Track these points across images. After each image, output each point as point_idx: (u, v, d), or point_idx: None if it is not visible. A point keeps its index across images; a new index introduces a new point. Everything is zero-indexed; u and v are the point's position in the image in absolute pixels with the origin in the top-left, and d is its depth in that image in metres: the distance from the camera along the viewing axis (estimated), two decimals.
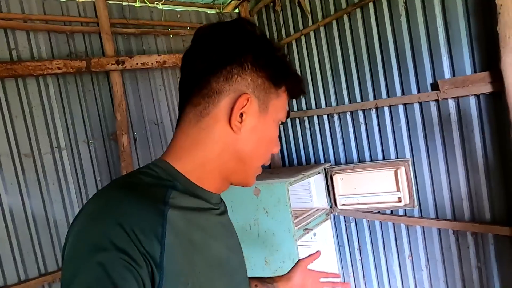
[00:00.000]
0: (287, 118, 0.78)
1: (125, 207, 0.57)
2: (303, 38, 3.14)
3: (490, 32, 2.02)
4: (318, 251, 1.16)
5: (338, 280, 1.20)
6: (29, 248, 2.38)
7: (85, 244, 0.53)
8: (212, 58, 0.67)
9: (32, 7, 2.49)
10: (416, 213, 2.60)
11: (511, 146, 2.00)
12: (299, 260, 1.12)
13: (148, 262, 0.54)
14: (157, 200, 0.61)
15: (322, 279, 1.14)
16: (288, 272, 1.10)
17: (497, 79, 2.01)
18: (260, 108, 0.70)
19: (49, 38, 2.54)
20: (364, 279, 3.07)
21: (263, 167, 2.70)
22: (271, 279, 1.06)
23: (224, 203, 0.82)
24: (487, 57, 2.09)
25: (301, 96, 0.84)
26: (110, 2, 2.83)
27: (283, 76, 0.73)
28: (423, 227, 2.59)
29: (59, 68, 2.45)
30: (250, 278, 0.98)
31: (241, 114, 0.68)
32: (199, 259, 0.63)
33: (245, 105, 0.67)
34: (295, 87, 0.76)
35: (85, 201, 0.66)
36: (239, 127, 0.68)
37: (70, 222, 0.81)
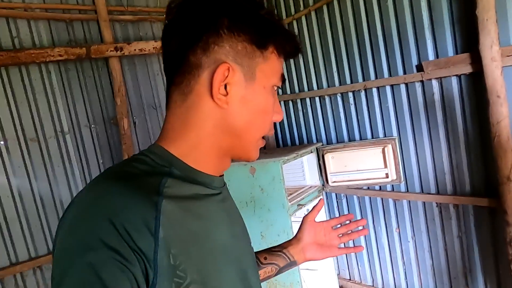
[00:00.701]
0: (282, 82, 0.70)
1: (116, 201, 0.53)
2: (295, 22, 3.24)
3: (470, 15, 2.13)
4: (321, 199, 1.08)
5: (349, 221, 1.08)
6: (37, 227, 2.52)
7: (74, 242, 0.51)
8: (186, 31, 0.62)
9: None
10: (402, 188, 2.76)
11: (489, 123, 2.14)
12: (304, 217, 1.03)
13: (141, 259, 0.51)
14: (150, 191, 0.56)
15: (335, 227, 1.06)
16: (296, 234, 1.04)
17: (476, 60, 2.14)
18: (245, 77, 0.63)
19: (49, 26, 2.63)
20: (355, 253, 3.25)
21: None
22: (280, 247, 1.00)
23: (226, 187, 0.77)
24: (468, 39, 2.21)
25: (298, 54, 0.71)
26: None
27: (268, 35, 0.64)
28: (409, 201, 2.75)
29: (60, 55, 2.54)
30: (257, 252, 0.96)
31: (226, 86, 0.62)
32: (199, 250, 0.59)
33: (227, 75, 0.61)
34: (285, 45, 0.68)
35: (88, 182, 0.64)
36: (225, 100, 0.62)
37: None
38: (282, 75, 0.70)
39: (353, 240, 3.14)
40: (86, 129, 2.76)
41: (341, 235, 1.04)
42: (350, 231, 1.06)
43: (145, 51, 2.94)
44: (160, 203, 0.56)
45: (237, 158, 0.71)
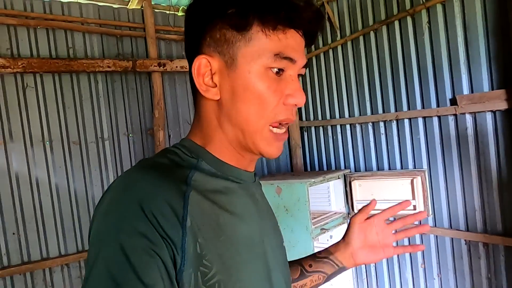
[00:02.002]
0: (287, 59, 0.61)
1: (146, 189, 0.55)
2: (331, 51, 3.33)
3: (507, 52, 2.15)
4: (373, 200, 0.96)
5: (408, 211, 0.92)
6: (70, 226, 2.65)
7: (108, 227, 0.53)
8: (187, 37, 0.66)
9: (89, 12, 2.81)
10: (430, 222, 2.70)
11: None
12: (352, 218, 0.93)
13: (169, 245, 0.53)
14: (179, 181, 0.58)
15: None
16: (343, 237, 0.94)
17: None
18: (227, 64, 0.62)
19: (101, 40, 2.85)
20: (378, 286, 3.17)
21: (284, 166, 2.85)
22: (326, 252, 0.94)
23: (259, 184, 0.77)
24: (504, 75, 2.21)
25: (305, 18, 0.61)
26: (156, 10, 3.13)
27: (246, 15, 0.59)
28: (436, 236, 2.68)
29: (108, 67, 2.74)
30: (302, 259, 0.93)
31: (213, 78, 0.63)
32: (224, 242, 0.60)
33: (209, 67, 0.62)
34: (275, 17, 0.59)
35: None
36: (214, 91, 0.63)
37: None
38: (280, 54, 0.60)
39: (376, 272, 3.09)
40: (124, 137, 2.92)
41: (395, 231, 0.94)
42: (406, 227, 0.95)
43: (185, 68, 3.11)
44: (188, 193, 0.57)
45: (251, 151, 0.66)
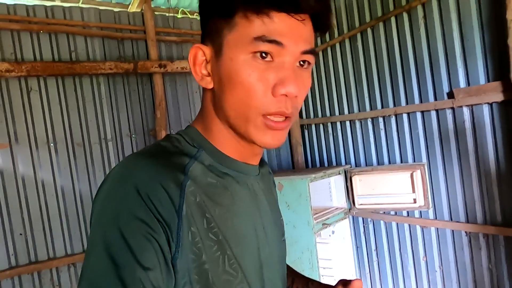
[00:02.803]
0: (272, 42, 0.58)
1: (145, 175, 0.55)
2: (329, 49, 3.37)
3: (502, 45, 2.17)
4: (358, 280, 0.75)
5: None
6: (75, 226, 2.70)
7: (107, 212, 0.54)
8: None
9: (90, 16, 2.86)
10: (431, 215, 2.73)
11: None
12: (340, 280, 0.82)
13: (166, 231, 0.54)
14: (177, 170, 0.59)
15: None
16: None
17: (508, 88, 2.16)
18: (215, 53, 0.63)
19: (103, 43, 2.90)
20: (380, 280, 3.19)
21: (286, 163, 2.89)
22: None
23: (264, 177, 0.77)
24: (500, 68, 2.24)
25: (286, 2, 0.57)
26: (156, 13, 3.18)
27: (230, 1, 0.59)
28: (437, 228, 2.71)
29: (110, 69, 2.79)
30: (295, 280, 0.91)
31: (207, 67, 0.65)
32: (215, 235, 0.60)
33: (203, 57, 0.64)
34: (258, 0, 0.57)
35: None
36: (208, 80, 0.64)
37: None
38: (263, 36, 0.57)
39: (379, 266, 3.11)
40: (127, 138, 2.96)
41: None
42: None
43: (186, 69, 3.15)
44: (185, 183, 0.58)
45: (248, 141, 0.65)
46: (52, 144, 2.64)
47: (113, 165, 2.88)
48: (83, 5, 2.88)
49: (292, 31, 0.59)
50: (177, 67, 3.10)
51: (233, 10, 0.59)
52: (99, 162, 2.82)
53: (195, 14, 3.43)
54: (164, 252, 0.53)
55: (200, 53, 0.64)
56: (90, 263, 0.52)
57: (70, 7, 2.81)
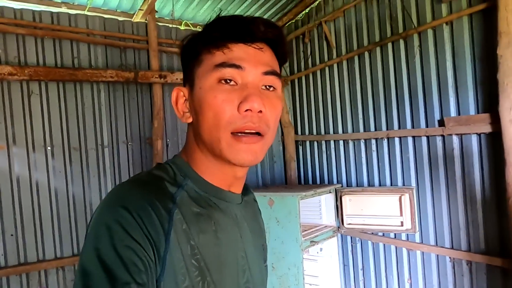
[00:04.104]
0: (230, 66, 0.65)
1: (138, 201, 0.60)
2: (327, 69, 3.45)
3: (492, 78, 2.25)
4: None
5: None
6: (67, 230, 2.73)
7: (102, 230, 0.57)
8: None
9: (95, 24, 2.92)
10: (417, 238, 2.78)
11: (506, 182, 2.19)
12: None
13: (154, 253, 0.58)
14: (166, 198, 0.64)
15: None
16: None
17: (496, 120, 2.22)
18: (190, 89, 0.71)
19: (106, 51, 2.96)
20: None
21: (279, 178, 2.93)
22: None
23: (247, 206, 0.83)
24: (489, 100, 2.31)
25: (239, 34, 0.67)
26: (159, 24, 3.25)
27: (195, 45, 0.70)
28: (422, 252, 2.76)
29: (111, 77, 2.84)
30: None
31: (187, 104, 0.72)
32: (198, 262, 0.64)
33: (183, 96, 0.72)
34: (212, 36, 0.67)
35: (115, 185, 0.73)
36: (187, 116, 0.72)
37: None
38: (223, 63, 0.65)
39: (364, 285, 3.15)
40: (124, 145, 3.01)
41: None
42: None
43: None
44: (174, 211, 0.63)
45: (226, 162, 0.69)
46: (49, 148, 2.68)
47: (108, 171, 2.92)
48: (89, 13, 2.94)
49: (250, 57, 0.67)
50: (177, 78, 3.16)
51: (199, 50, 0.68)
52: (94, 167, 2.86)
53: (198, 27, 3.50)
54: (152, 271, 0.57)
55: (181, 94, 0.73)
56: (84, 276, 0.55)
57: (75, 14, 2.87)
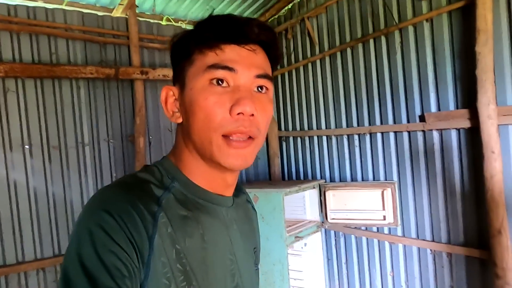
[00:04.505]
0: (222, 68, 0.65)
1: (120, 204, 0.59)
2: (310, 65, 3.46)
3: (471, 74, 2.29)
4: None
5: None
6: (47, 230, 2.66)
7: (85, 235, 0.56)
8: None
9: (73, 19, 2.85)
10: (399, 232, 2.83)
11: (484, 176, 2.24)
12: None
13: (138, 256, 0.57)
14: (151, 201, 0.62)
15: None
16: None
17: (474, 116, 2.28)
18: (180, 89, 0.69)
19: (85, 47, 2.89)
20: None
21: (263, 174, 2.94)
22: None
23: (238, 208, 0.80)
24: (468, 96, 2.36)
25: (233, 35, 0.66)
26: (140, 19, 3.19)
27: (187, 44, 0.68)
28: (404, 245, 2.81)
29: (91, 74, 2.78)
30: None
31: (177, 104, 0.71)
32: (184, 266, 0.63)
33: (173, 96, 0.71)
34: (204, 36, 0.66)
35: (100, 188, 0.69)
36: (176, 116, 0.70)
37: None
38: (216, 64, 0.65)
39: (348, 279, 3.20)
40: (105, 143, 2.95)
41: None
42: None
43: (168, 77, 3.17)
44: (159, 214, 0.62)
45: (216, 165, 0.68)
46: (27, 146, 2.61)
47: (88, 170, 2.86)
48: (67, 7, 2.86)
49: (243, 59, 0.66)
50: (158, 75, 3.11)
51: (191, 49, 0.67)
52: (75, 166, 2.80)
53: (179, 22, 3.45)
54: (136, 276, 0.56)
55: (170, 93, 0.71)
56: (67, 283, 0.54)
57: (53, 8, 2.78)
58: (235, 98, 0.64)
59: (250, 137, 0.66)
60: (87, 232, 0.56)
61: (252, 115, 0.65)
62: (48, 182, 2.68)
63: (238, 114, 0.63)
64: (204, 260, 0.67)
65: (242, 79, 0.65)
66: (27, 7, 2.68)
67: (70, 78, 2.77)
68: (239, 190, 0.84)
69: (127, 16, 3.07)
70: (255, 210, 0.93)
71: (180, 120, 0.70)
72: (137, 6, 3.09)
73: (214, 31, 0.65)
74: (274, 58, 0.73)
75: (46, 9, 2.75)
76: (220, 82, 0.65)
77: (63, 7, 2.85)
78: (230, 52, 0.65)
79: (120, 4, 2.97)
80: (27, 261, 2.57)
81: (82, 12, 2.93)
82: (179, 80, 0.70)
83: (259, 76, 0.67)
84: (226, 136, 0.64)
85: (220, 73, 0.64)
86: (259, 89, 0.68)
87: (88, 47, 2.90)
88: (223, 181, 0.73)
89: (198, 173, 0.70)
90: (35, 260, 2.60)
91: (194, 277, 0.65)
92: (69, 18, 2.83)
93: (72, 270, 0.54)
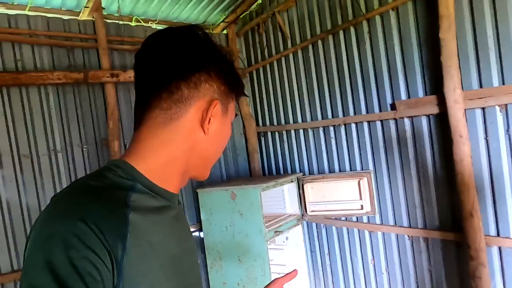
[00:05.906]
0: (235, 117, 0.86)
1: (89, 210, 0.59)
2: (283, 59, 3.46)
3: (437, 61, 2.32)
4: (295, 270, 1.03)
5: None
6: (22, 240, 2.61)
7: (50, 241, 0.56)
8: (181, 64, 0.71)
9: (37, 24, 2.78)
10: (377, 220, 2.87)
11: (454, 160, 2.28)
12: (275, 279, 1.02)
13: (111, 260, 0.58)
14: (119, 203, 0.64)
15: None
16: None
17: (442, 102, 2.31)
18: (222, 112, 0.78)
19: (52, 52, 2.82)
20: (333, 283, 3.31)
21: (243, 170, 2.97)
22: None
23: (181, 205, 0.86)
24: (435, 82, 2.40)
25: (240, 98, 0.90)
26: (108, 21, 3.14)
27: (237, 83, 0.82)
28: (383, 233, 2.85)
29: (59, 79, 2.73)
30: None
31: (211, 118, 0.75)
32: (156, 260, 0.66)
33: (219, 108, 0.76)
34: (241, 93, 0.86)
35: (52, 198, 0.66)
36: (208, 128, 0.75)
37: None
38: (235, 114, 0.87)
39: (331, 270, 3.22)
40: (78, 149, 2.90)
41: None
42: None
43: None
44: (128, 215, 0.63)
45: (194, 176, 0.82)
46: None
47: (63, 177, 2.81)
48: (30, 13, 2.80)
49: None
50: (130, 77, 3.07)
51: (235, 90, 0.83)
52: (48, 174, 2.75)
53: (149, 22, 3.41)
54: (109, 280, 0.57)
55: (219, 106, 0.77)
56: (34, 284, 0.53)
57: (15, 14, 2.72)
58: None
59: None
60: (59, 240, 0.55)
61: None
62: (20, 191, 2.62)
63: None
64: (173, 254, 0.72)
65: None
66: None
67: (37, 85, 2.71)
68: None
69: (94, 19, 3.02)
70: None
71: (207, 134, 0.76)
72: (104, 8, 3.04)
73: (244, 94, 0.87)
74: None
75: (8, 15, 2.68)
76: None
77: (27, 12, 2.78)
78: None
79: (86, 7, 2.92)
80: (3, 273, 2.52)
81: (47, 16, 2.86)
82: (222, 102, 0.78)
83: None
84: None
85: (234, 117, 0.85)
86: None
87: (55, 52, 2.84)
88: (182, 184, 0.80)
89: (160, 174, 0.73)
90: (11, 272, 2.55)
91: (169, 270, 0.70)
92: (33, 23, 2.76)
93: (39, 279, 0.53)
